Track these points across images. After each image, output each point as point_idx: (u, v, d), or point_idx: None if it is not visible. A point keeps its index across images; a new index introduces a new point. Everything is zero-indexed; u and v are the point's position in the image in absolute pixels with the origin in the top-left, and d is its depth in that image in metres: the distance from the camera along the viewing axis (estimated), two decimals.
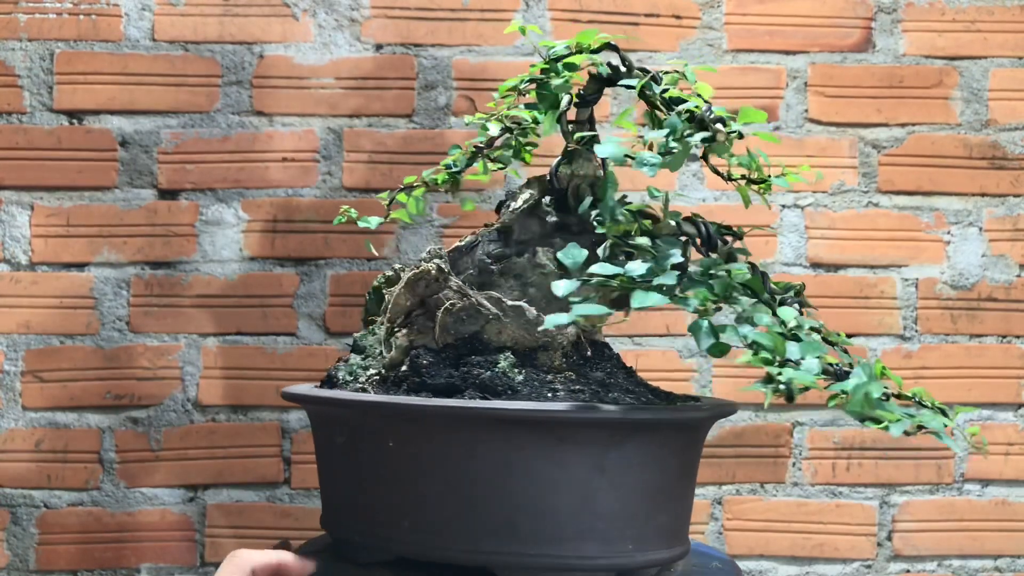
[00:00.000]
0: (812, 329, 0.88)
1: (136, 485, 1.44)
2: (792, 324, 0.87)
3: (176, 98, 1.45)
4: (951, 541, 1.48)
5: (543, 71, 1.03)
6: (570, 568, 0.89)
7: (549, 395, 0.93)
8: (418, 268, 1.01)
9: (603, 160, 1.05)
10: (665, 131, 0.91)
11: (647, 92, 0.99)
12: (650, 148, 0.92)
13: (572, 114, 1.06)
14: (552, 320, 0.85)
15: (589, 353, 1.01)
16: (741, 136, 0.93)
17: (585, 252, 0.90)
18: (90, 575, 1.43)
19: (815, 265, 1.48)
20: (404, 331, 1.01)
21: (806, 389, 0.82)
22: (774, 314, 0.88)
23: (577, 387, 0.95)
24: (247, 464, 1.45)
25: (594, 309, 0.85)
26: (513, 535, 0.88)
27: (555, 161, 1.05)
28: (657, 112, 0.99)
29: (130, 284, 1.44)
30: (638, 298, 0.83)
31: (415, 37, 1.46)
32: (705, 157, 0.96)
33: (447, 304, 0.99)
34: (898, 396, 0.90)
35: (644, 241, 0.91)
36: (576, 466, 0.88)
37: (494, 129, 1.04)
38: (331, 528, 1.00)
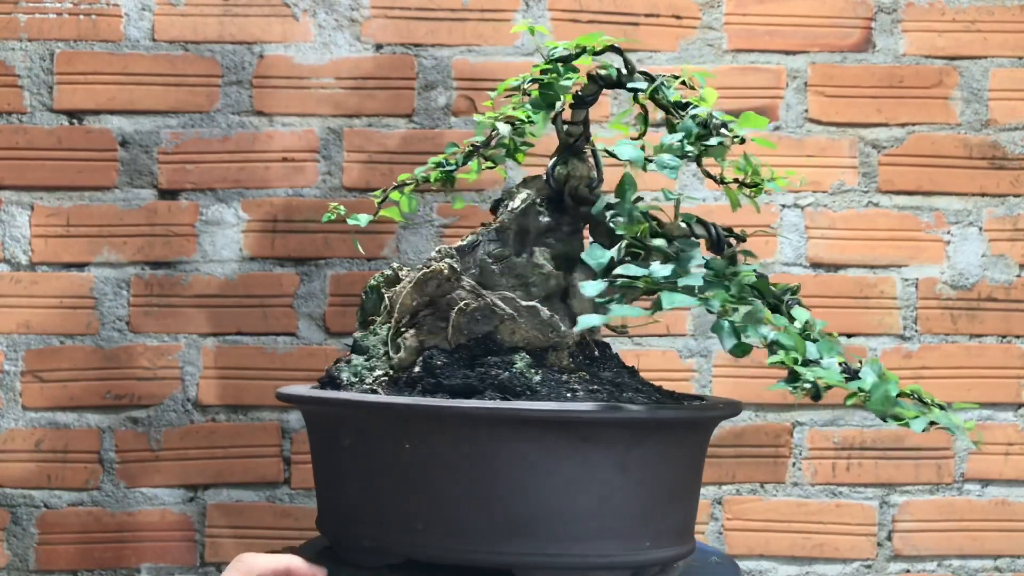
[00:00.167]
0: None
1: (136, 485, 1.44)
2: (805, 325, 0.89)
3: (176, 98, 1.45)
4: (951, 541, 1.48)
5: (543, 71, 1.03)
6: (591, 567, 0.90)
7: (568, 395, 0.93)
8: (428, 268, 1.00)
9: (596, 161, 1.06)
10: (680, 135, 0.93)
11: (656, 96, 1.00)
12: (665, 149, 0.94)
13: (567, 115, 1.06)
14: (586, 321, 0.86)
15: (596, 353, 1.02)
16: (743, 141, 0.95)
17: (609, 253, 0.91)
18: (90, 575, 1.43)
19: (815, 265, 1.48)
20: (412, 331, 1.00)
21: (829, 388, 0.84)
22: (780, 315, 0.90)
23: (594, 387, 0.96)
24: (247, 464, 1.45)
25: (631, 311, 0.86)
26: (535, 534, 0.88)
27: (551, 161, 1.05)
28: (670, 117, 1.00)
29: (130, 284, 1.44)
30: (667, 299, 0.85)
31: (415, 37, 1.46)
32: (699, 160, 0.97)
33: (461, 304, 0.98)
34: (901, 394, 0.91)
35: (660, 242, 0.92)
36: (599, 465, 0.89)
37: (504, 129, 1.04)
38: (331, 531, 0.99)
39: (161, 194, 1.45)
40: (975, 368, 1.49)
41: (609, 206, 0.98)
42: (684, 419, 0.96)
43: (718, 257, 0.96)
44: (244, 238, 1.45)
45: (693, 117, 0.95)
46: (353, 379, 1.00)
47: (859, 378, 0.86)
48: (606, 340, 1.07)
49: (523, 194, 1.05)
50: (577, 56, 1.03)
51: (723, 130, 0.95)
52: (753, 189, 1.04)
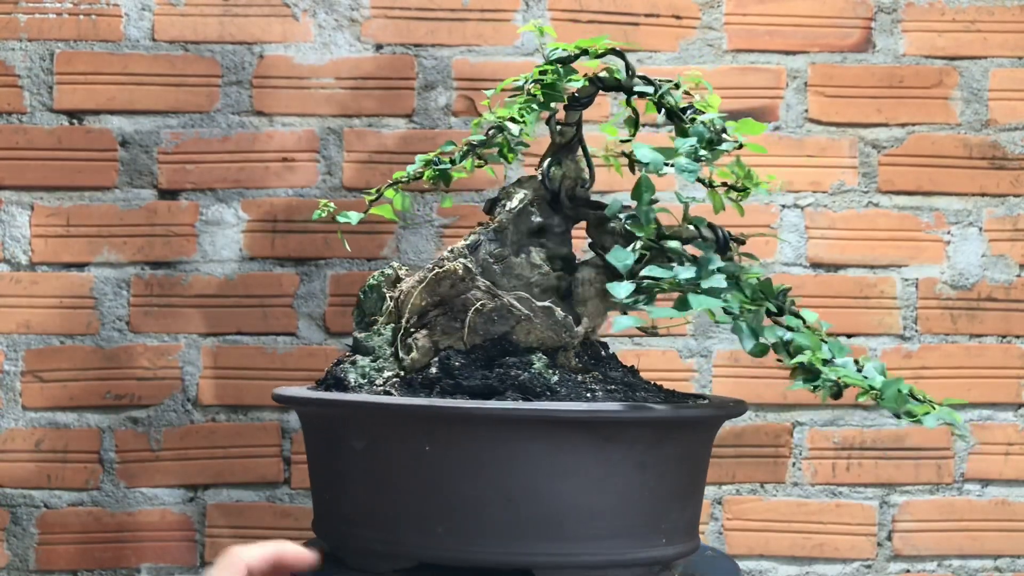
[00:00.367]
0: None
1: (136, 485, 1.44)
2: (812, 326, 0.91)
3: (176, 98, 1.45)
4: (951, 541, 1.48)
5: (542, 72, 1.03)
6: (610, 564, 0.90)
7: (588, 395, 0.94)
8: (440, 267, 1.00)
9: (588, 161, 1.07)
10: (694, 139, 0.94)
11: (663, 100, 1.01)
12: (682, 154, 0.96)
13: (560, 115, 1.07)
14: (622, 322, 0.87)
15: (603, 353, 1.03)
16: (741, 146, 0.97)
17: (633, 255, 0.92)
18: (90, 575, 1.43)
19: (815, 265, 1.48)
20: (424, 332, 0.99)
21: (847, 386, 0.86)
22: (785, 316, 0.92)
23: (611, 387, 0.97)
24: (247, 464, 1.45)
25: (668, 312, 0.88)
26: (556, 534, 0.89)
27: (546, 162, 1.06)
28: (677, 121, 1.01)
29: (130, 284, 1.44)
30: (695, 301, 0.87)
31: (415, 37, 1.46)
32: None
33: (478, 304, 0.98)
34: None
35: (675, 244, 0.93)
36: (621, 464, 0.90)
37: (515, 128, 1.04)
38: (331, 535, 0.98)
39: (161, 194, 1.45)
40: (975, 368, 1.49)
41: (598, 206, 0.99)
42: (704, 418, 0.98)
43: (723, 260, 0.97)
44: (244, 238, 1.45)
45: (703, 123, 0.97)
46: (361, 380, 0.99)
47: (866, 377, 0.88)
48: (604, 340, 1.08)
49: (520, 194, 1.05)
50: (576, 58, 1.04)
51: (724, 135, 0.96)
52: (740, 193, 1.06)
